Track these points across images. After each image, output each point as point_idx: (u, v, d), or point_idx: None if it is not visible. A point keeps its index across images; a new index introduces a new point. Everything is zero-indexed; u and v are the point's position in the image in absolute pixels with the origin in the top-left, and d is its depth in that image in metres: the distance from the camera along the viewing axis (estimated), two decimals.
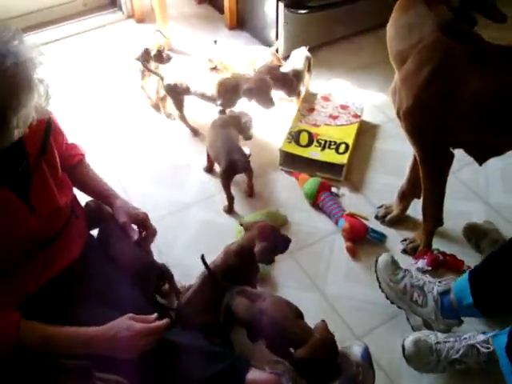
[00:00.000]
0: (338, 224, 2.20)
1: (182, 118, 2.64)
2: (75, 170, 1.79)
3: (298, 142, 2.49)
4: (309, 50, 2.78)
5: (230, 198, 2.27)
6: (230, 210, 2.28)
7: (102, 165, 2.26)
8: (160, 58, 2.62)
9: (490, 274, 1.71)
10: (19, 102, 1.27)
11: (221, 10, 3.40)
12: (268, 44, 3.10)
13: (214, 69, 2.78)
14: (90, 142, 2.37)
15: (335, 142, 2.47)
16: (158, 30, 2.86)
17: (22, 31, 1.31)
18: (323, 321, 1.63)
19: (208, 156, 2.40)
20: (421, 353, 1.66)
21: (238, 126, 2.36)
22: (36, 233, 1.51)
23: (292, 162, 2.47)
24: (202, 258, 1.79)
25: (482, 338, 1.65)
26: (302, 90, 2.78)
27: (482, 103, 1.63)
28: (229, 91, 2.42)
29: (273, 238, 1.78)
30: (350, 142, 2.48)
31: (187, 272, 1.95)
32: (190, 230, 2.24)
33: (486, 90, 1.62)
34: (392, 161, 2.50)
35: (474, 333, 1.69)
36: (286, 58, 3.01)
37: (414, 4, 1.70)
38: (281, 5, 2.83)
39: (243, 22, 3.29)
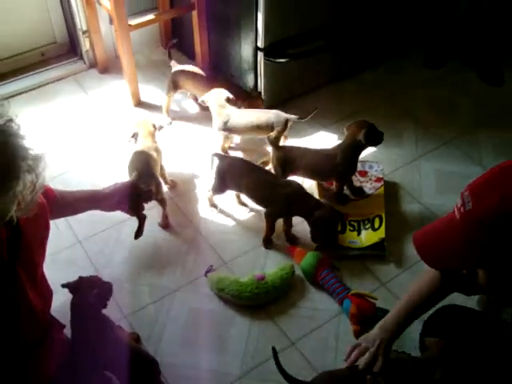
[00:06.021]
0: (342, 304, 1.97)
1: None
2: (58, 202, 1.71)
3: None
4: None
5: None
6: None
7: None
8: None
9: None
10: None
11: (190, 55, 3.18)
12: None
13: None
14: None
15: (369, 219, 2.25)
16: None
17: None
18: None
19: None
20: None
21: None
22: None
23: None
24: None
25: None
26: None
27: None
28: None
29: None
30: (383, 212, 2.26)
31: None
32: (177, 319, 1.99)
33: None
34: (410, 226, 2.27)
35: None
36: (268, 107, 2.81)
37: None
38: (260, 54, 2.62)
39: (216, 67, 3.07)
